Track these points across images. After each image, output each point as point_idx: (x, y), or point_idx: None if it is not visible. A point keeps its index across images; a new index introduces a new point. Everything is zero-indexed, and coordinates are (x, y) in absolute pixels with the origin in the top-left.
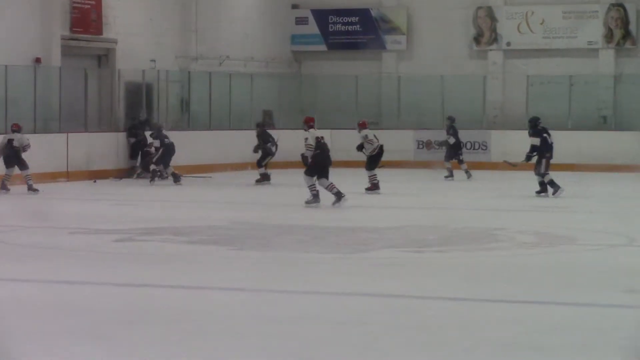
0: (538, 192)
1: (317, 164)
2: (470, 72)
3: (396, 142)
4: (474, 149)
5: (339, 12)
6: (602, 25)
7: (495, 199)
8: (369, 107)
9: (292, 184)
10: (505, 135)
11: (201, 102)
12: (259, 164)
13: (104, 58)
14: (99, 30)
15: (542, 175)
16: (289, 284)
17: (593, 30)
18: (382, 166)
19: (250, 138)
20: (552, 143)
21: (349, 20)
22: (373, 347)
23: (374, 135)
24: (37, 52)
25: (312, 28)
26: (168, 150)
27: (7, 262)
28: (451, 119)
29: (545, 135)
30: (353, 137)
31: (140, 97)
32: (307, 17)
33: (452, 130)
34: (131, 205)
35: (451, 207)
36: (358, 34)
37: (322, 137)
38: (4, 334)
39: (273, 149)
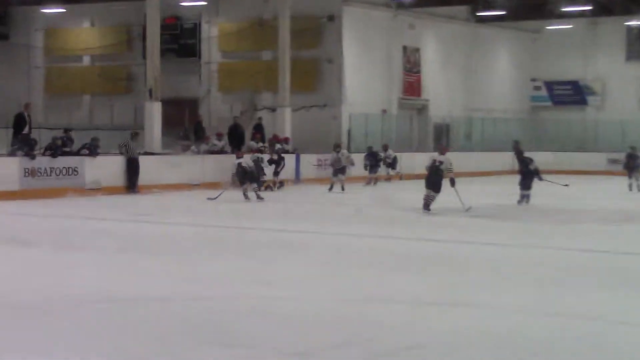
0: None
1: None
2: None
3: (585, 164)
4: None
5: (560, 83)
6: None
7: None
8: (573, 139)
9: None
10: None
11: (476, 135)
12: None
13: (422, 109)
14: (419, 93)
15: None
16: (535, 241)
17: None
18: None
19: (503, 158)
20: None
21: (566, 88)
22: (568, 286)
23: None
24: (384, 105)
25: (543, 92)
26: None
27: (363, 225)
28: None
29: None
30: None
31: (442, 133)
32: (541, 86)
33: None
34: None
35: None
36: (571, 94)
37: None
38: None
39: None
